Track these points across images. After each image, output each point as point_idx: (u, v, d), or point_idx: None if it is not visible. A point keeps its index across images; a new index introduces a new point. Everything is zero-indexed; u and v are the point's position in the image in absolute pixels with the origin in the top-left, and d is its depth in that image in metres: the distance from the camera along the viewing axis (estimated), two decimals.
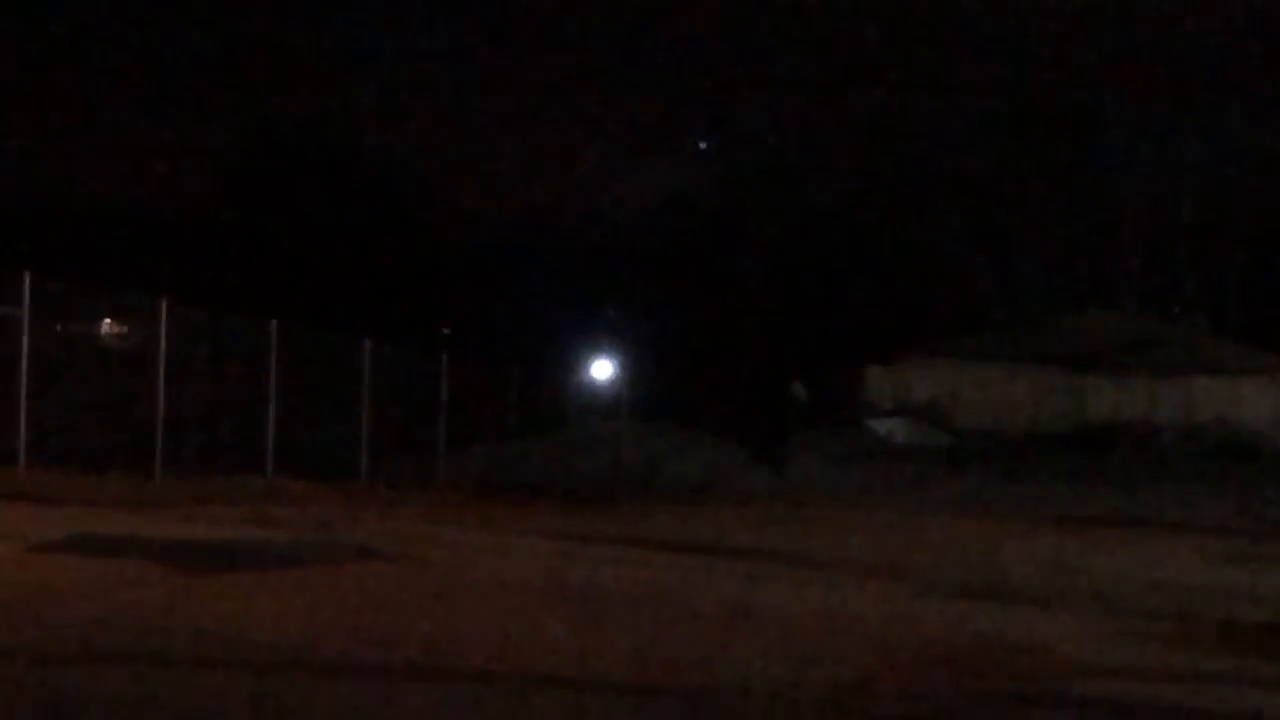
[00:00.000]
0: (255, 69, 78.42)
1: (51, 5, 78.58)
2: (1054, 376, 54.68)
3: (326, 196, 51.10)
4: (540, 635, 11.84)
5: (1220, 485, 35.41)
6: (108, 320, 26.74)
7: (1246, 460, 44.55)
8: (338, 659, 10.40)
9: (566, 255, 58.18)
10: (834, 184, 65.54)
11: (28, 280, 21.82)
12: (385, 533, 18.23)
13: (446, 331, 43.87)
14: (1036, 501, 29.77)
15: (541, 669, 10.49)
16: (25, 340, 21.90)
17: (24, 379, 21.88)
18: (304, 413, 22.68)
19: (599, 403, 45.33)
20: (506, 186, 64.77)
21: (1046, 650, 12.09)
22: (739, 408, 50.01)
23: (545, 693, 9.74)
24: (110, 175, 76.24)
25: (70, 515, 17.76)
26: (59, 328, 24.38)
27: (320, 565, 15.20)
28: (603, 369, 50.84)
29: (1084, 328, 58.06)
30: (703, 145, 62.39)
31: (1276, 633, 13.23)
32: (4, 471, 21.47)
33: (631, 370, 52.01)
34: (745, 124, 72.49)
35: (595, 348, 52.27)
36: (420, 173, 58.80)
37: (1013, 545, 20.72)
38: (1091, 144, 67.77)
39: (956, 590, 15.52)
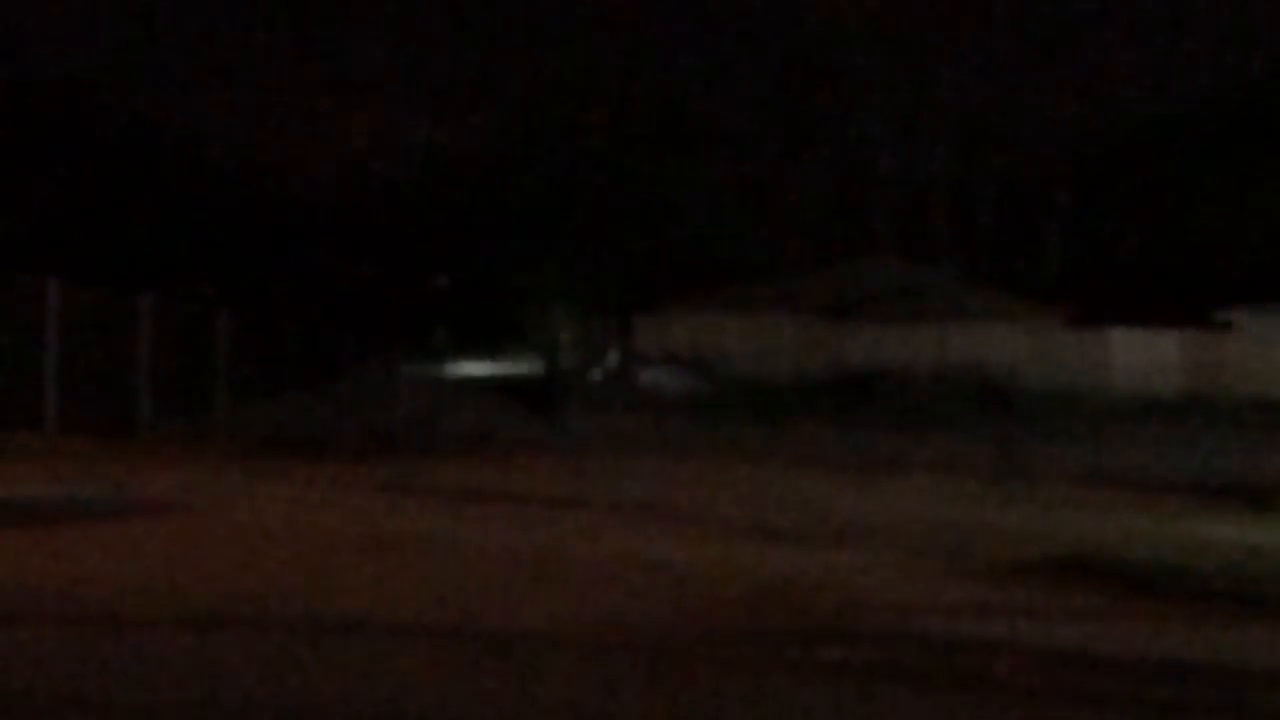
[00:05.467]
0: None
1: None
2: (814, 324, 55.74)
3: (87, 156, 50.40)
4: (347, 583, 12.03)
5: (977, 428, 36.47)
6: None
7: (1000, 404, 45.87)
8: (144, 612, 10.51)
9: (331, 210, 57.98)
10: (595, 139, 65.92)
11: None
12: (175, 486, 18.25)
13: (210, 289, 43.69)
14: (804, 447, 30.43)
15: (351, 616, 10.69)
16: None
17: None
18: (83, 371, 22.53)
19: (375, 357, 45.37)
20: (269, 145, 64.07)
21: (845, 587, 12.59)
22: (507, 357, 50.26)
23: (357, 639, 9.94)
24: None
25: None
26: None
27: (114, 519, 15.21)
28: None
29: (842, 277, 59.22)
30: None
31: (1054, 567, 13.89)
32: None
33: (407, 324, 52.09)
34: (502, 81, 72.47)
35: (370, 303, 52.22)
36: (188, 133, 58.24)
37: (790, 488, 21.29)
38: (848, 98, 69.00)
39: (747, 532, 15.98)
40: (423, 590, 11.85)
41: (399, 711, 8.05)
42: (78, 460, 20.29)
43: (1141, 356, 54.55)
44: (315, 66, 78.43)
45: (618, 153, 64.78)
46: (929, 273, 61.76)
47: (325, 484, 19.35)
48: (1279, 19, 72.51)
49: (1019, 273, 63.14)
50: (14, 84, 56.68)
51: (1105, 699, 9.02)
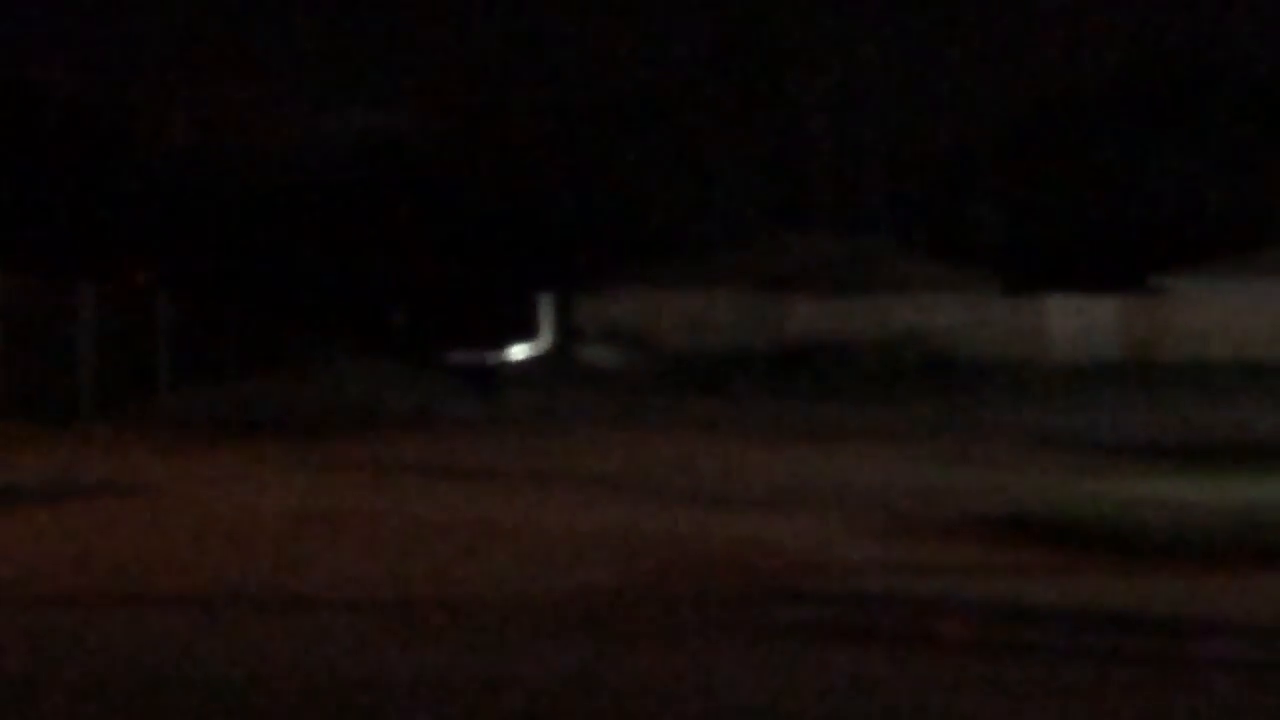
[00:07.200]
0: None
1: None
2: (752, 297, 55.86)
3: (21, 145, 50.17)
4: (293, 559, 12.11)
5: (919, 396, 36.68)
6: None
7: (942, 372, 46.14)
8: (99, 592, 10.56)
9: (273, 195, 57.86)
10: (531, 117, 65.93)
11: None
12: (121, 469, 18.24)
13: (151, 275, 43.63)
14: (744, 418, 30.55)
15: (298, 591, 10.76)
16: None
17: None
18: (23, 358, 22.49)
19: (317, 340, 45.35)
20: (205, 129, 63.75)
21: (790, 550, 12.72)
22: (447, 339, 50.32)
23: (306, 614, 10.01)
24: None
25: None
26: None
27: (58, 503, 15.23)
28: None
29: (779, 249, 59.35)
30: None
31: (995, 525, 14.07)
32: None
33: (348, 305, 52.07)
34: (437, 61, 72.33)
35: (313, 286, 52.17)
36: (115, 115, 57.95)
37: (731, 457, 21.39)
38: (781, 71, 69.16)
39: (692, 500, 16.08)
40: (372, 565, 11.94)
41: (353, 682, 8.13)
42: (20, 446, 20.25)
43: (1078, 323, 54.91)
44: (241, 52, 78.17)
45: (553, 131, 64.82)
46: (865, 244, 61.99)
47: (267, 465, 19.35)
48: None
49: (954, 242, 63.42)
50: None
51: (1047, 652, 9.18)
